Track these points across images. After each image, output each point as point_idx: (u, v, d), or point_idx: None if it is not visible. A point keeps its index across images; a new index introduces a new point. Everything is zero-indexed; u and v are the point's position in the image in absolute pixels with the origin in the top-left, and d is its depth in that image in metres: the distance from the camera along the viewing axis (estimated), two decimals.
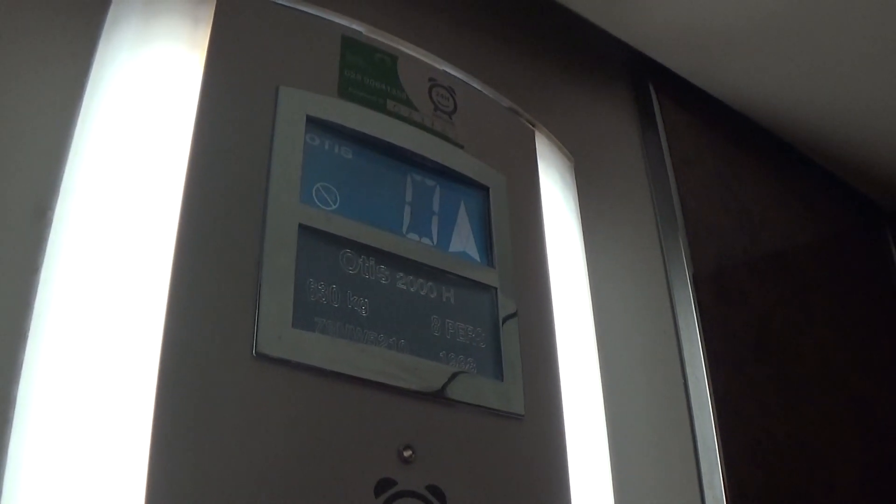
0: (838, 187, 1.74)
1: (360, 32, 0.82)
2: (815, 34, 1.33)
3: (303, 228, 0.68)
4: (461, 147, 0.84)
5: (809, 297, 1.47)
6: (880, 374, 1.54)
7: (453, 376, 0.72)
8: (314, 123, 0.74)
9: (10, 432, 0.56)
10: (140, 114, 0.68)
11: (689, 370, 1.12)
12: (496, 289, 0.80)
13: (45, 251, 0.62)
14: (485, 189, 0.85)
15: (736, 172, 1.46)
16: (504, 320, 0.79)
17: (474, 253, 0.81)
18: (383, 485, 0.64)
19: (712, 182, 1.38)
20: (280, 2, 0.77)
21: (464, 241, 0.81)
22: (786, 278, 1.44)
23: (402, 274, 0.74)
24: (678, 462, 1.07)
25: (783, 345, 1.33)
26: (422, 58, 0.87)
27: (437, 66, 0.88)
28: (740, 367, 1.21)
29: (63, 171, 0.66)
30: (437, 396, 0.71)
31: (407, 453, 0.66)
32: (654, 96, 1.36)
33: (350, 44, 0.81)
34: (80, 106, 0.69)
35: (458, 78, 0.90)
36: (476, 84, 0.92)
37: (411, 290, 0.74)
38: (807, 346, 1.39)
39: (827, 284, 1.55)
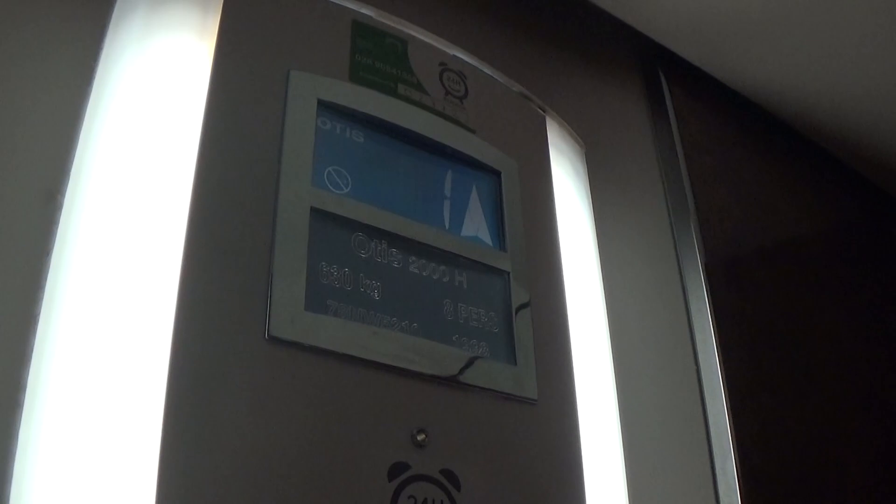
0: (848, 175, 1.73)
1: (371, 17, 0.82)
2: (826, 22, 1.32)
3: (315, 212, 0.68)
4: (473, 132, 0.84)
5: (820, 284, 1.47)
6: (891, 361, 1.53)
7: (470, 361, 0.72)
8: (325, 107, 0.73)
9: (21, 415, 0.56)
10: (150, 100, 0.68)
11: (701, 356, 1.12)
12: (508, 273, 0.80)
13: (55, 234, 0.62)
14: (497, 174, 0.84)
15: (746, 160, 1.45)
16: (517, 306, 0.79)
17: (486, 237, 0.81)
18: (397, 469, 0.64)
19: (723, 169, 1.37)
20: None
21: (476, 225, 0.80)
22: (796, 265, 1.44)
23: (414, 258, 0.74)
24: (691, 448, 1.06)
25: (794, 331, 1.33)
26: (432, 42, 0.87)
27: (447, 50, 0.88)
28: (752, 354, 1.20)
29: (73, 156, 0.65)
30: (451, 380, 0.70)
31: (420, 437, 0.66)
32: (664, 83, 1.36)
33: (360, 28, 0.80)
34: (90, 91, 0.68)
35: (469, 63, 0.89)
36: (487, 69, 0.91)
37: (424, 273, 0.74)
38: (817, 333, 1.38)
39: (837, 271, 1.54)
